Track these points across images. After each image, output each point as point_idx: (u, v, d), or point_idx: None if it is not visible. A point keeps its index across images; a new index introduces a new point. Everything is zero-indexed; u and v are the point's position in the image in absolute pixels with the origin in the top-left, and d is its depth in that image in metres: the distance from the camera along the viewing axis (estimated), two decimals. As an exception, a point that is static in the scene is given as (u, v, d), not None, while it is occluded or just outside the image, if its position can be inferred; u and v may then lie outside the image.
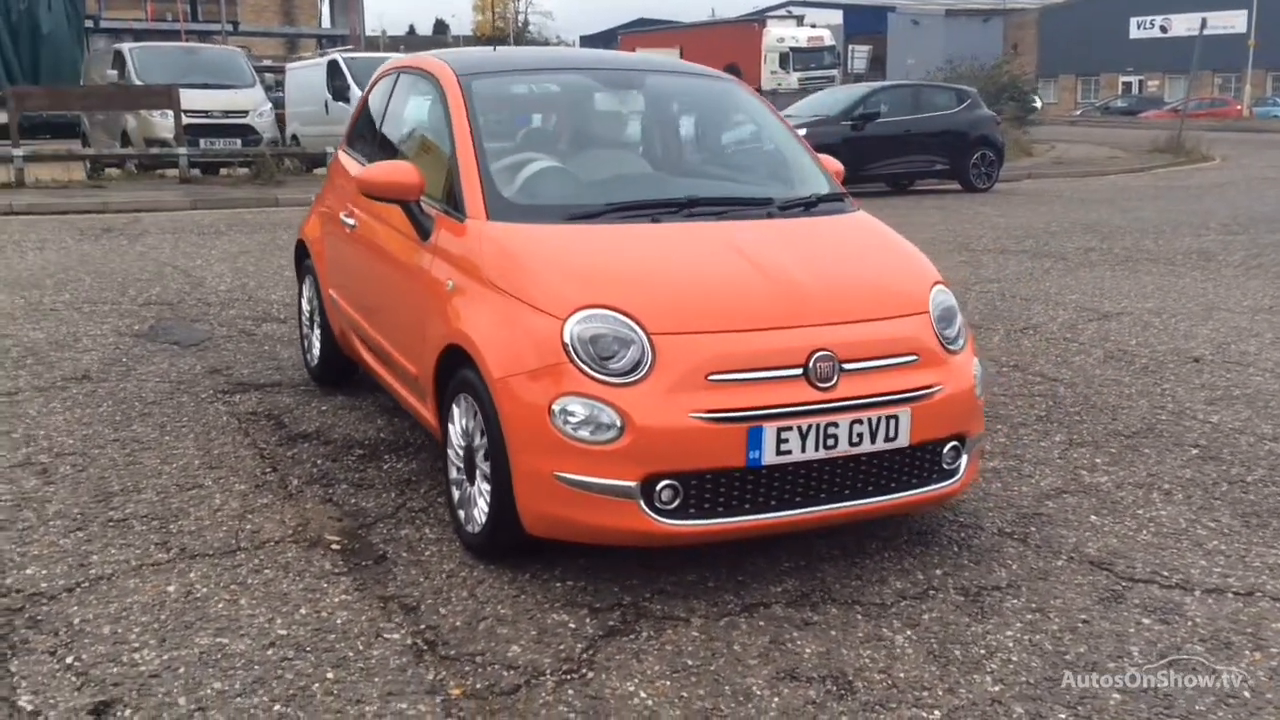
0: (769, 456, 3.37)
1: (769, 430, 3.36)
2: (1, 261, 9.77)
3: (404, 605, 3.48)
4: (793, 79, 47.66)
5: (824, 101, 18.17)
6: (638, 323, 3.40)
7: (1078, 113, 64.51)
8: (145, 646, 3.20)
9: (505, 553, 3.70)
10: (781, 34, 52.32)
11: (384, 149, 5.01)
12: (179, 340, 6.86)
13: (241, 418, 5.34)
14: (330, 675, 3.06)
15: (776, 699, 2.97)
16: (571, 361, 3.36)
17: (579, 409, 3.32)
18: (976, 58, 36.94)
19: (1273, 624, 3.42)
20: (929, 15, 74.19)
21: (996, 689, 3.04)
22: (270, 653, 3.17)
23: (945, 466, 3.74)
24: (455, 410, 3.84)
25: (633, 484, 3.32)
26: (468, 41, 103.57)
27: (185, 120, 17.25)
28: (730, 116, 4.99)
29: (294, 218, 13.13)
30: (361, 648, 3.21)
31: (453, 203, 4.04)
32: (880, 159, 16.90)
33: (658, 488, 3.33)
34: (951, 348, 3.78)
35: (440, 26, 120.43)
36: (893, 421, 3.53)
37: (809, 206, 4.32)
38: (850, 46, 68.72)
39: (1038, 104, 51.45)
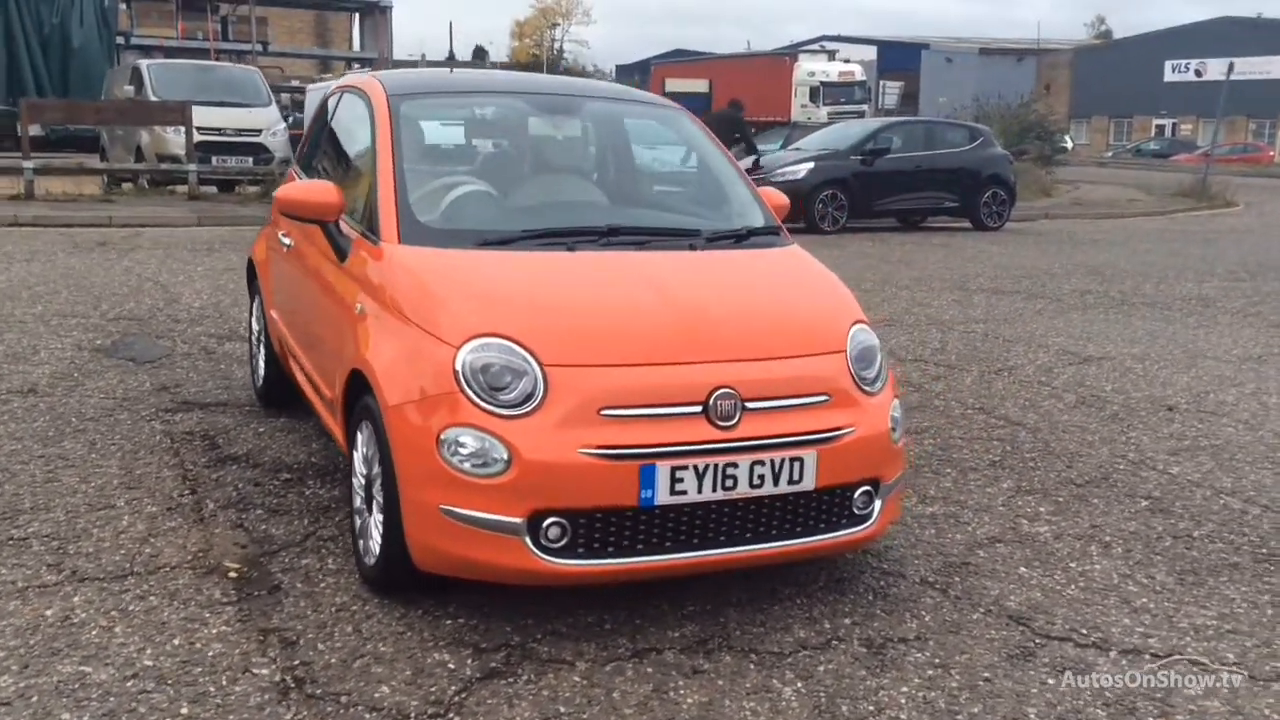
0: (662, 496, 3.25)
1: (662, 469, 3.24)
2: (23, 269, 9.78)
3: (284, 639, 3.37)
4: (822, 113, 47.62)
5: (834, 135, 18.07)
6: (531, 353, 3.29)
7: (1109, 154, 64.16)
8: (6, 672, 3.11)
9: (398, 587, 3.58)
10: (812, 68, 52.35)
11: (324, 168, 4.94)
12: (136, 356, 6.81)
13: (176, 437, 5.26)
14: (184, 711, 2.95)
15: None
16: (462, 391, 3.25)
17: (466, 440, 3.21)
18: (1002, 96, 36.73)
19: (1185, 690, 3.26)
20: (963, 53, 74.21)
21: (875, 750, 2.89)
22: (130, 684, 3.07)
23: (856, 511, 3.60)
24: (359, 437, 3.74)
25: (518, 520, 3.20)
26: (505, 69, 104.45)
27: (198, 137, 17.32)
28: (669, 147, 4.89)
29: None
30: (225, 683, 3.10)
31: (370, 225, 3.95)
32: (889, 195, 16.76)
33: (544, 525, 3.22)
34: (868, 389, 3.65)
35: (479, 53, 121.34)
36: (797, 464, 3.40)
37: (739, 239, 4.21)
38: (881, 82, 68.74)
39: (1068, 144, 51.12)
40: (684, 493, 3.28)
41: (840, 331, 3.69)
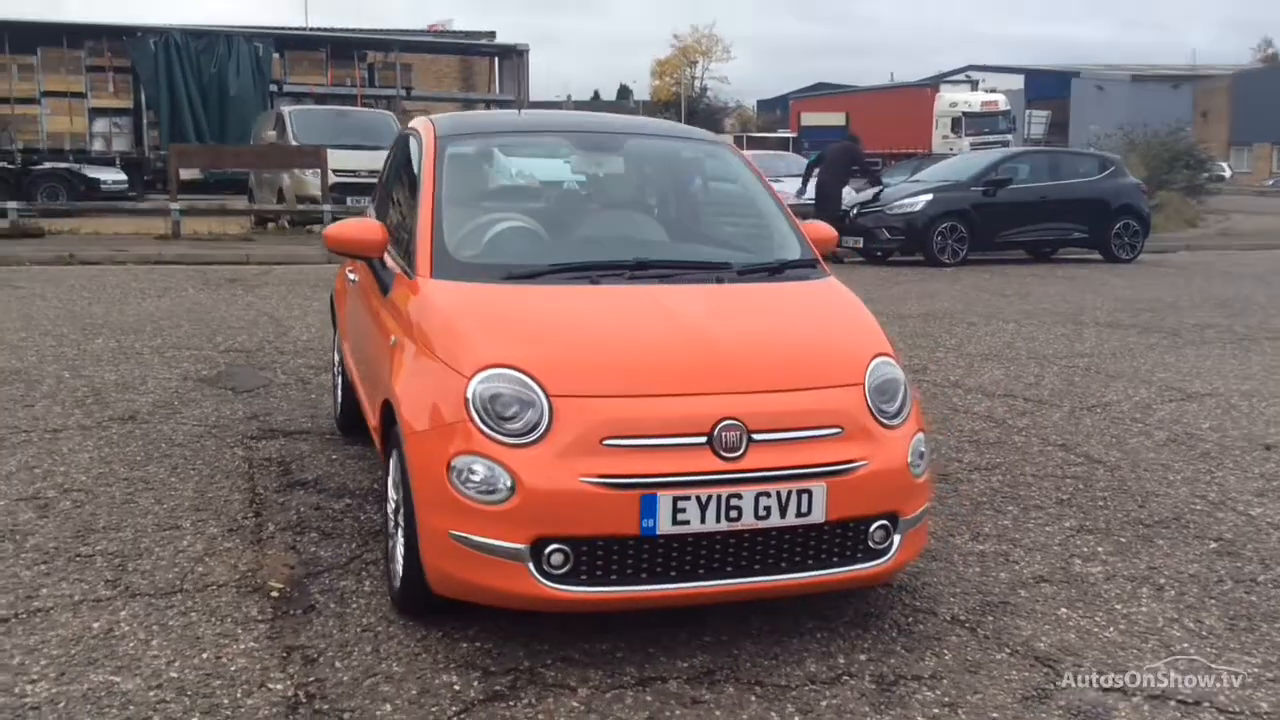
0: (664, 526, 3.28)
1: (664, 499, 3.27)
2: (120, 308, 10.36)
3: (306, 656, 3.50)
4: (965, 144, 46.86)
5: (956, 166, 17.77)
6: (539, 384, 3.37)
7: (1269, 182, 61.34)
8: (43, 679, 3.30)
9: (419, 609, 3.69)
10: (954, 99, 51.55)
11: (384, 207, 5.14)
12: (236, 386, 7.14)
13: (254, 462, 5.50)
14: (194, 720, 3.10)
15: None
16: (471, 420, 3.35)
17: (474, 468, 3.31)
18: (1147, 124, 35.53)
19: (1206, 738, 3.13)
20: (1114, 80, 72.00)
21: (856, 786, 2.86)
22: (152, 694, 3.23)
23: (873, 546, 3.56)
24: (391, 464, 3.88)
25: (521, 546, 3.28)
26: (648, 107, 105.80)
27: (333, 179, 18.08)
28: (710, 181, 4.94)
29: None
30: (240, 696, 3.24)
31: (409, 260, 4.10)
32: (1013, 226, 16.39)
33: (547, 551, 3.28)
34: (888, 422, 3.62)
35: (624, 92, 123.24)
36: (805, 496, 3.39)
37: (773, 272, 4.22)
38: (1028, 111, 67.20)
39: (1226, 173, 49.03)
40: (686, 523, 3.30)
41: (859, 364, 3.67)
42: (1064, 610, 3.96)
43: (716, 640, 3.65)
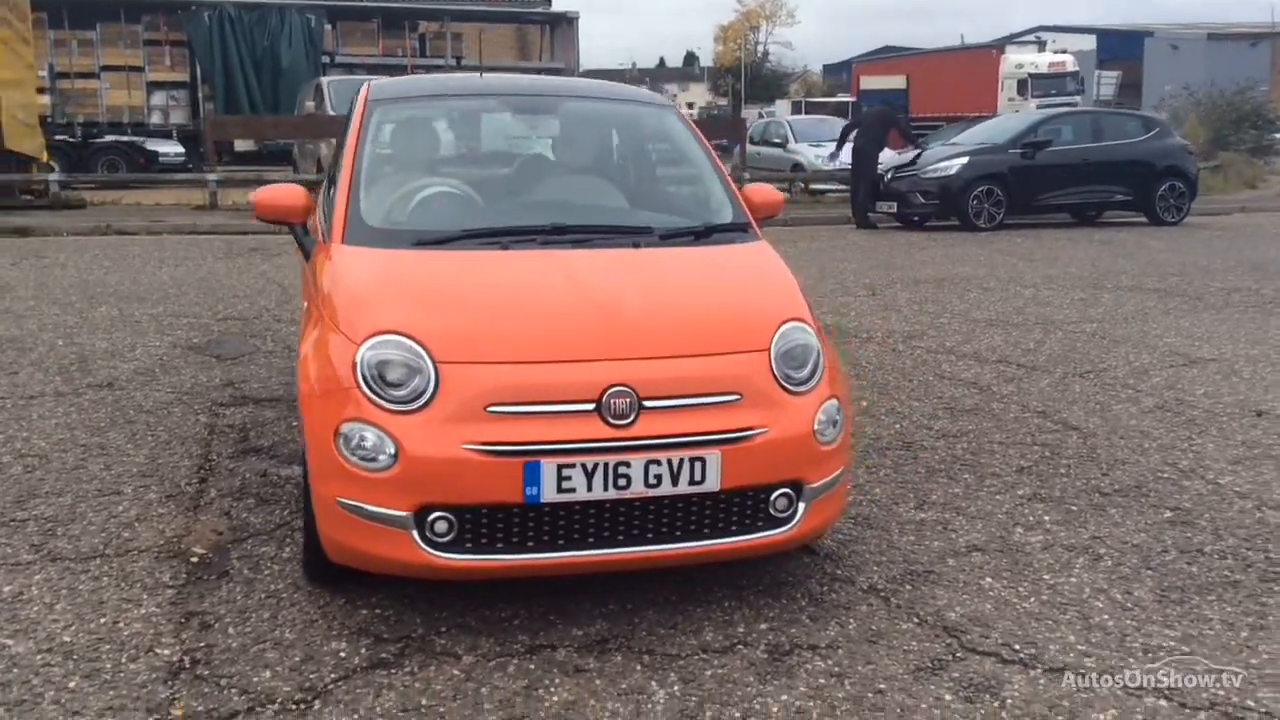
0: (549, 494, 3.23)
1: (547, 466, 3.22)
2: (134, 277, 10.50)
3: (204, 622, 3.51)
4: (1031, 106, 45.92)
5: (994, 128, 17.37)
6: (427, 350, 3.33)
7: (1350, 143, 59.26)
8: (-61, 641, 3.34)
9: (325, 577, 3.68)
10: (1020, 60, 50.43)
11: (331, 173, 5.11)
12: (222, 353, 7.19)
13: (215, 429, 5.54)
14: (72, 685, 3.12)
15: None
16: (359, 387, 3.32)
17: (360, 435, 3.28)
18: (1216, 84, 34.49)
19: (1096, 714, 3.02)
20: (1189, 39, 69.88)
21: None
22: (39, 658, 3.26)
23: (775, 514, 3.48)
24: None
25: (405, 514, 3.25)
26: (713, 72, 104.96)
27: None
28: (649, 144, 4.84)
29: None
30: (124, 660, 3.26)
31: (328, 225, 4.08)
32: (1052, 189, 16.00)
33: (430, 519, 3.25)
34: (795, 389, 3.52)
35: (689, 58, 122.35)
36: (698, 464, 3.32)
37: (699, 236, 4.13)
38: (1098, 72, 65.55)
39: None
40: (572, 490, 3.24)
41: (765, 329, 3.58)
42: (988, 580, 3.86)
43: (621, 608, 3.60)
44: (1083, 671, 3.24)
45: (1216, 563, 4.01)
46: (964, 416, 5.87)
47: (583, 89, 5.28)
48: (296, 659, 3.28)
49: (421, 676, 3.18)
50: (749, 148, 24.56)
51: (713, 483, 3.34)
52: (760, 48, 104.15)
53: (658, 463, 3.29)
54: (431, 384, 3.28)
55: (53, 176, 18.37)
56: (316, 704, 3.03)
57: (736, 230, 4.22)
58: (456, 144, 4.73)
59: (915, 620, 3.55)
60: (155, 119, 32.83)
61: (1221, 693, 3.13)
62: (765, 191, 4.58)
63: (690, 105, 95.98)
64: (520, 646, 3.36)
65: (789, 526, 3.50)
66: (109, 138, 29.59)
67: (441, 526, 3.26)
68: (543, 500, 3.24)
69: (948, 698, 3.09)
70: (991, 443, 5.42)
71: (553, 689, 3.12)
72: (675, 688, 3.13)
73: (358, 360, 3.34)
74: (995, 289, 10.22)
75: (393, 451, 3.23)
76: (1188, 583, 3.84)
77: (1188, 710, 3.03)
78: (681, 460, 3.30)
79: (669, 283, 3.79)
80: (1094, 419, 5.84)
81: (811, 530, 3.58)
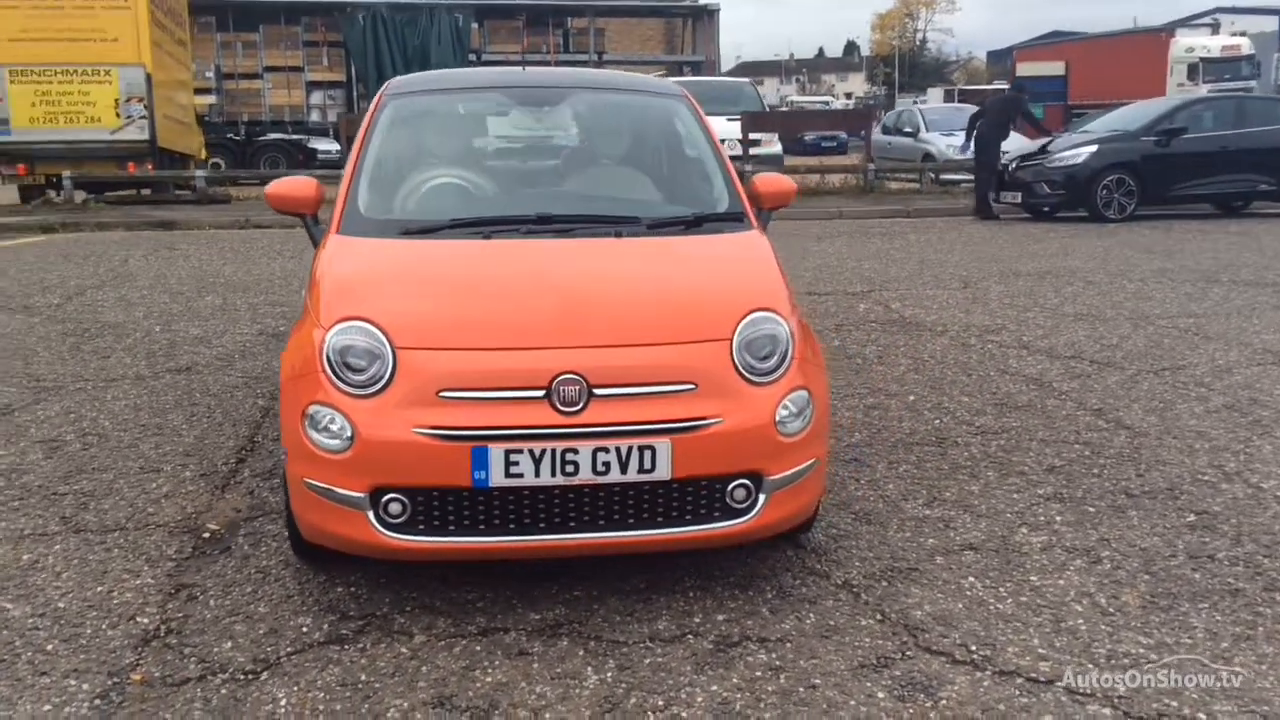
0: (497, 478, 3.30)
1: (495, 451, 3.28)
2: (248, 268, 11.02)
3: (190, 594, 3.70)
4: (1201, 91, 43.88)
5: (1126, 116, 16.63)
6: (388, 336, 3.43)
7: None
8: (-50, 604, 3.61)
9: (309, 554, 3.82)
10: (1191, 43, 48.19)
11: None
12: (299, 341, 7.48)
13: (270, 413, 5.79)
14: (49, 648, 3.33)
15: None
16: (323, 370, 3.45)
17: (322, 417, 3.40)
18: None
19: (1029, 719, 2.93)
20: (1380, 19, 65.59)
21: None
22: (30, 621, 3.49)
23: (733, 505, 3.47)
24: None
25: (361, 495, 3.36)
26: (871, 62, 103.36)
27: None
28: (653, 135, 4.85)
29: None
30: (105, 627, 3.46)
31: (330, 216, 4.23)
32: (1189, 178, 15.26)
33: (384, 500, 3.35)
34: (757, 380, 3.50)
35: (849, 47, 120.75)
36: (648, 453, 3.33)
37: (690, 225, 4.14)
38: (1277, 55, 62.09)
39: None
40: (520, 476, 3.30)
41: (729, 319, 3.56)
42: (971, 580, 3.76)
43: (585, 594, 3.64)
44: (1034, 676, 3.13)
45: (1224, 569, 3.82)
46: (1012, 413, 5.70)
47: (594, 80, 5.31)
48: (261, 631, 3.42)
49: (371, 653, 3.28)
50: (881, 138, 24.20)
51: (663, 472, 3.35)
52: (919, 35, 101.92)
53: (606, 450, 3.31)
54: (389, 369, 3.38)
55: (199, 173, 19.31)
56: (264, 675, 3.17)
57: (730, 220, 4.20)
58: (461, 135, 4.82)
59: (878, 617, 3.49)
60: (314, 117, 34.17)
61: (1174, 703, 3.00)
62: (773, 181, 4.54)
63: (849, 96, 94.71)
64: (474, 628, 3.43)
65: (747, 518, 3.48)
66: (272, 135, 31.03)
67: (395, 508, 3.35)
68: (491, 485, 3.30)
69: (880, 695, 3.04)
70: (1031, 440, 5.26)
71: (490, 670, 3.18)
72: (609, 674, 3.15)
73: (324, 345, 3.47)
74: (1099, 282, 9.84)
75: (350, 434, 3.34)
76: (1184, 589, 3.67)
77: (1130, 720, 2.92)
78: (630, 448, 3.32)
79: (639, 272, 3.81)
80: (1151, 418, 5.60)
81: (773, 522, 3.55)
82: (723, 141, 15.01)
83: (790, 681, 3.11)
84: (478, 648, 3.32)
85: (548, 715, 2.95)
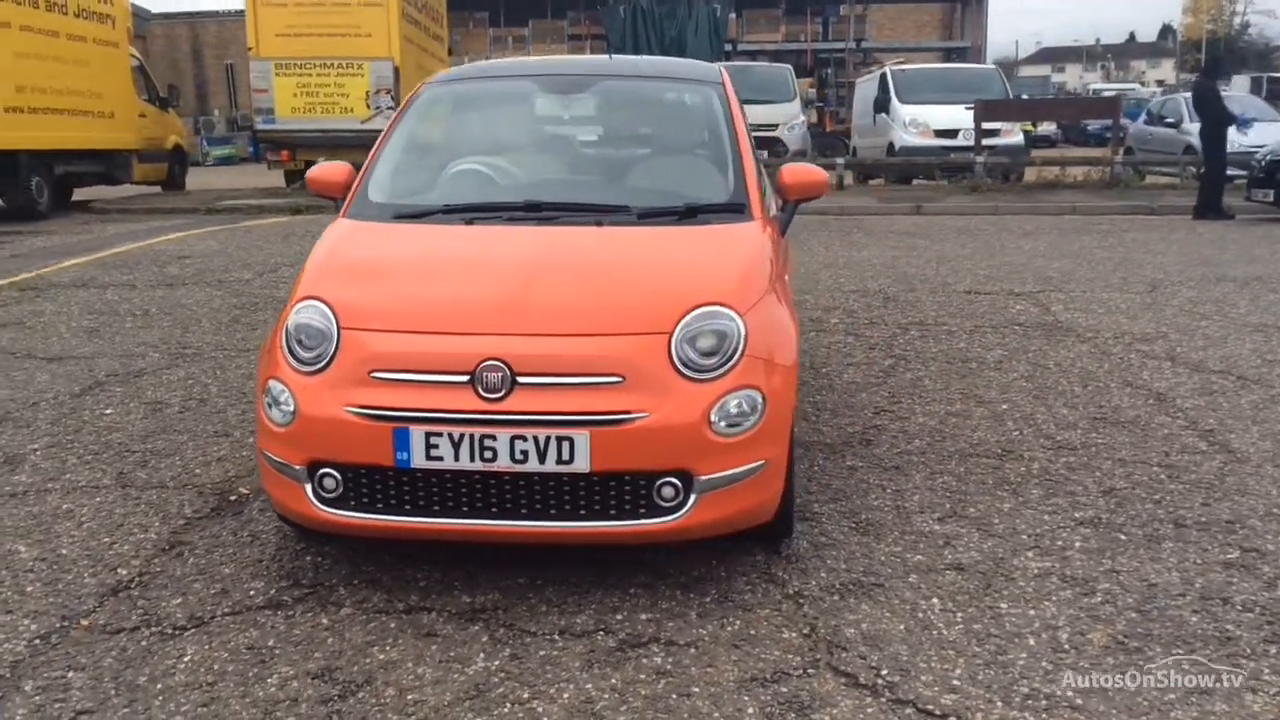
0: (418, 460, 3.36)
1: (416, 433, 3.35)
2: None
3: (179, 551, 3.95)
4: None
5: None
6: (336, 316, 3.56)
7: None
8: (-20, 541, 4.02)
9: (292, 524, 4.00)
10: None
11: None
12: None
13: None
14: (28, 589, 3.65)
15: (262, 690, 3.04)
16: (281, 348, 3.62)
17: (277, 392, 3.57)
18: None
19: (890, 752, 2.74)
20: None
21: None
22: (29, 564, 3.83)
23: (661, 503, 3.40)
24: None
25: (300, 468, 3.50)
26: (1183, 48, 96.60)
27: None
28: (675, 122, 4.74)
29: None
30: (87, 577, 3.75)
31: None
32: None
33: (319, 474, 3.48)
34: (696, 376, 3.40)
35: (1164, 32, 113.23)
36: (566, 444, 3.31)
37: (683, 215, 4.05)
38: None
39: None
40: (440, 459, 3.35)
41: (672, 312, 3.47)
42: (933, 602, 3.52)
43: (528, 583, 3.65)
44: (928, 709, 2.91)
45: (1232, 614, 3.41)
46: (1105, 429, 5.26)
47: (627, 68, 5.20)
48: (213, 591, 3.62)
49: (294, 621, 3.42)
50: (1144, 128, 22.63)
51: (582, 464, 3.31)
52: (1238, 19, 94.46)
53: (524, 439, 3.31)
54: (334, 348, 3.50)
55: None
56: (190, 632, 3.35)
57: (729, 211, 4.08)
58: (484, 124, 4.87)
59: (805, 631, 3.33)
60: (576, 107, 35.18)
61: (1064, 754, 2.72)
62: (800, 172, 4.38)
63: (1160, 83, 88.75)
64: (402, 606, 3.51)
65: (674, 517, 3.39)
66: None
67: (329, 483, 3.47)
68: (413, 465, 3.36)
69: (750, 711, 2.90)
70: (1107, 459, 4.84)
71: (388, 648, 3.25)
72: (497, 663, 3.16)
73: (289, 323, 3.63)
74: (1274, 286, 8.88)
75: (293, 409, 3.49)
76: (1166, 632, 3.30)
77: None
78: (549, 438, 3.30)
79: (598, 262, 3.76)
80: (1265, 444, 5.04)
81: (706, 524, 3.44)
82: (955, 132, 14.48)
83: (668, 688, 3.01)
84: (393, 624, 3.39)
85: (411, 695, 2.99)
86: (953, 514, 4.22)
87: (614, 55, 5.54)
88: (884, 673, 3.08)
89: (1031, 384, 6.08)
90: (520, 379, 3.34)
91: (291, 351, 3.56)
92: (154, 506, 4.35)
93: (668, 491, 3.38)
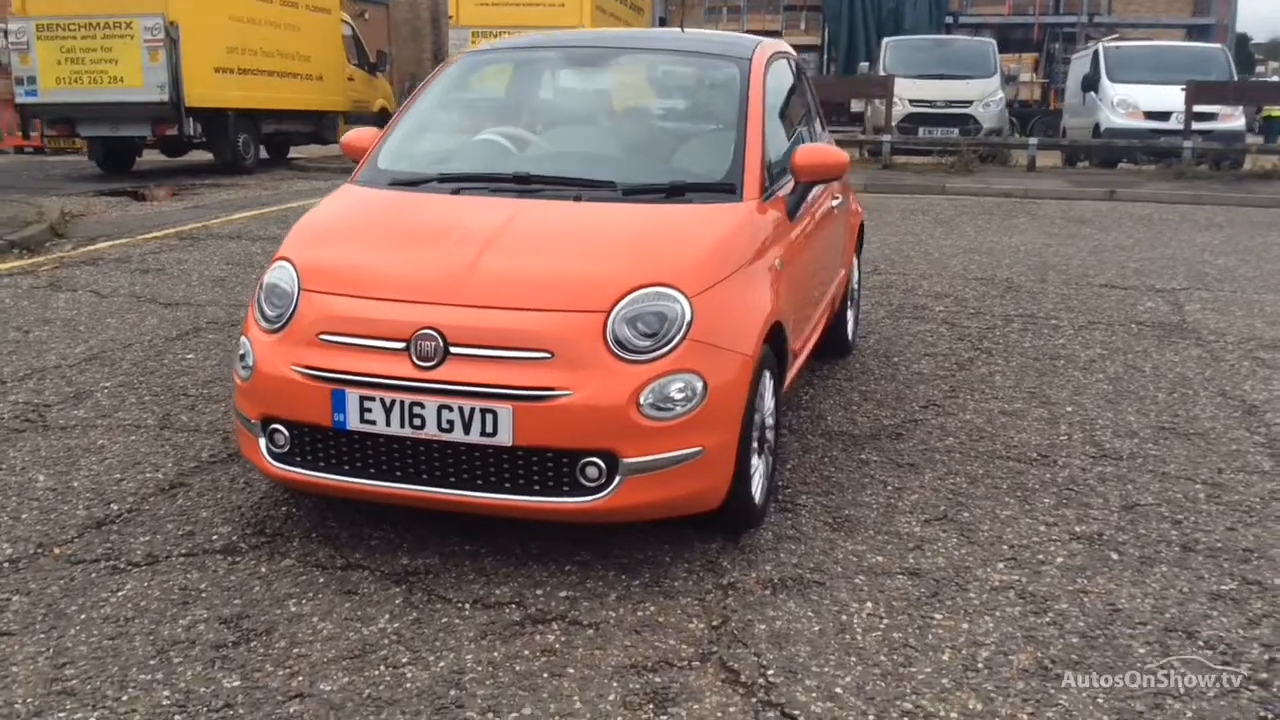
0: (353, 422, 3.44)
1: (351, 396, 3.43)
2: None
3: (176, 493, 4.16)
4: None
5: None
6: (299, 278, 3.68)
7: None
8: (13, 464, 4.35)
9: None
10: None
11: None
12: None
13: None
14: (24, 516, 3.94)
15: (169, 630, 3.19)
16: (255, 305, 3.78)
17: (245, 349, 3.73)
18: None
19: (727, 756, 2.66)
20: None
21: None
22: (41, 492, 4.13)
23: (585, 483, 3.38)
24: None
25: (255, 422, 3.65)
26: None
27: (909, 109, 18.09)
28: (686, 100, 4.62)
29: (897, 205, 13.45)
30: (81, 510, 4.01)
31: (364, 165, 4.52)
32: None
33: (270, 429, 3.62)
34: (630, 356, 3.35)
35: None
36: (490, 416, 3.33)
37: (669, 193, 3.98)
38: None
39: None
40: (373, 423, 3.42)
41: (612, 291, 3.42)
42: (867, 605, 3.37)
43: (474, 550, 3.68)
44: (793, 715, 2.80)
45: (1189, 651, 3.13)
46: (1168, 439, 4.89)
47: (655, 41, 5.05)
48: (181, 533, 3.82)
49: (234, 567, 3.57)
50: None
51: (505, 437, 3.32)
52: None
53: (450, 409, 3.34)
54: (293, 308, 3.62)
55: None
56: (139, 569, 3.55)
57: (719, 191, 3.98)
58: (502, 95, 4.87)
59: (714, 624, 3.24)
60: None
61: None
62: (814, 152, 4.23)
63: None
64: (342, 563, 3.61)
65: (597, 498, 3.36)
66: None
67: (279, 439, 3.60)
68: (349, 427, 3.45)
69: (610, 698, 2.86)
70: (1148, 473, 4.50)
71: (304, 601, 3.35)
72: (396, 625, 3.21)
73: (263, 282, 3.78)
74: None
75: (252, 365, 3.64)
76: (1101, 662, 3.06)
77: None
78: (474, 410, 3.32)
79: (557, 237, 3.73)
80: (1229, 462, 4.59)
81: (632, 507, 3.39)
82: (1167, 115, 13.62)
83: (544, 667, 3.00)
84: (322, 579, 3.49)
85: (298, 650, 3.08)
86: (942, 517, 4.01)
87: (671, 27, 5.42)
88: (770, 673, 2.98)
89: (1112, 387, 5.69)
90: (453, 349, 3.37)
91: (261, 310, 3.70)
92: (177, 449, 4.60)
93: (592, 471, 3.34)
